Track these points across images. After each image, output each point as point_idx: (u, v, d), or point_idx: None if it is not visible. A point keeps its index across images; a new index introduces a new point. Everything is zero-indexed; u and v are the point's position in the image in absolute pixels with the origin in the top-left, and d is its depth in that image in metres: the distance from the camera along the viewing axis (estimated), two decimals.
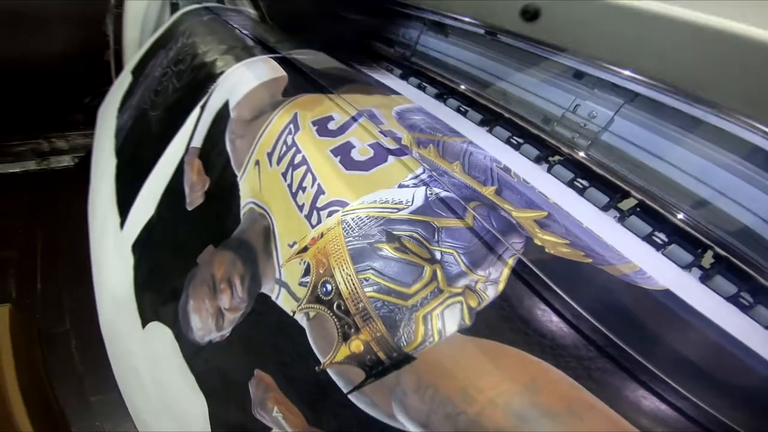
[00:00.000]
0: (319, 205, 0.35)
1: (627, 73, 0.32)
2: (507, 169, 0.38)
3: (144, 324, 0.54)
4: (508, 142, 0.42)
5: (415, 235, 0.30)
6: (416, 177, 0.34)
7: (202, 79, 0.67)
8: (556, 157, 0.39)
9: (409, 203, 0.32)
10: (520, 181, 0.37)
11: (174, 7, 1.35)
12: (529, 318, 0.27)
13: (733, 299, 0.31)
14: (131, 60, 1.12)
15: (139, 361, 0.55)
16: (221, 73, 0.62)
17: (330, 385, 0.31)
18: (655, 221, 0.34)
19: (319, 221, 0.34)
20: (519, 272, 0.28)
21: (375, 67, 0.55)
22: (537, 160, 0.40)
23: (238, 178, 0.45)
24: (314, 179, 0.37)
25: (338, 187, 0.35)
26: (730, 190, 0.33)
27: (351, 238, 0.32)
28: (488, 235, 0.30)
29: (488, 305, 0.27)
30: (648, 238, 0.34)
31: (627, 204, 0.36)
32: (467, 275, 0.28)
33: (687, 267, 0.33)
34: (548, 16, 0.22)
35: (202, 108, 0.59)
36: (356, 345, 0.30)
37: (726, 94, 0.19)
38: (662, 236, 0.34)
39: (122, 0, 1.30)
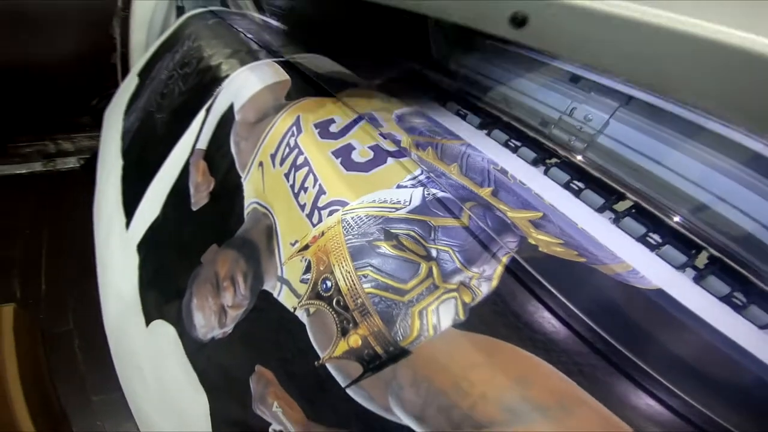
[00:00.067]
0: (320, 204, 0.37)
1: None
2: (504, 171, 0.40)
3: (148, 322, 0.56)
4: (506, 145, 0.44)
5: (412, 233, 0.32)
6: (414, 178, 0.36)
7: (207, 83, 0.70)
8: (553, 160, 0.41)
9: (407, 203, 0.34)
10: (516, 182, 0.39)
11: (179, 11, 1.40)
12: (521, 314, 0.28)
13: (726, 299, 0.32)
14: (138, 63, 1.16)
15: (143, 359, 0.57)
16: (226, 76, 0.65)
17: (329, 379, 0.33)
18: (649, 222, 0.36)
19: (320, 220, 0.36)
20: (512, 269, 0.30)
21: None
22: (534, 163, 0.42)
23: (242, 179, 0.48)
24: (316, 180, 0.39)
25: (339, 188, 0.37)
26: (725, 193, 0.35)
27: (350, 237, 0.34)
28: (483, 233, 0.32)
29: (482, 301, 0.29)
30: (642, 239, 0.35)
31: (622, 206, 0.38)
32: (462, 272, 0.30)
33: (681, 267, 0.34)
34: (535, 23, 0.24)
35: (208, 111, 0.62)
36: (354, 340, 0.32)
37: (713, 102, 0.21)
38: (656, 237, 0.35)
39: (129, 3, 1.35)
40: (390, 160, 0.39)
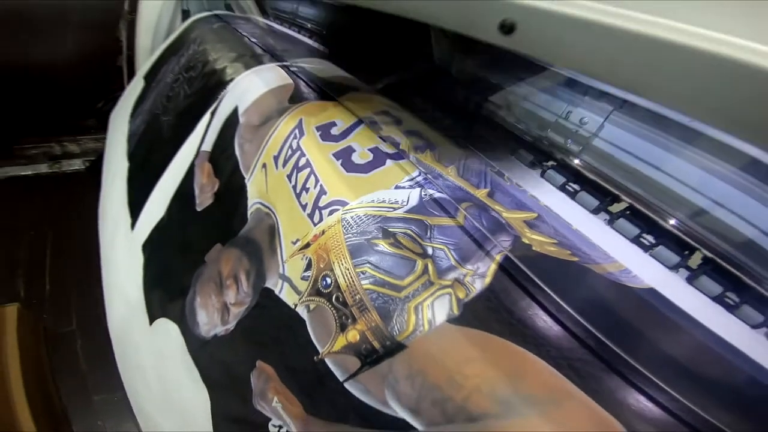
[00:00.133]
0: (321, 204, 0.40)
1: None
2: (501, 174, 0.42)
3: (151, 321, 0.59)
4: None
5: (409, 232, 0.34)
6: (412, 179, 0.39)
7: (212, 86, 0.73)
8: (550, 162, 0.43)
9: (405, 203, 0.36)
10: (512, 185, 0.41)
11: (185, 14, 1.45)
12: (513, 310, 0.30)
13: (718, 299, 0.34)
14: (143, 66, 1.21)
15: (145, 357, 0.60)
16: (231, 80, 0.69)
17: (327, 373, 0.35)
18: (643, 224, 0.37)
19: (321, 219, 0.39)
20: (505, 267, 0.32)
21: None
22: (531, 165, 0.44)
23: (246, 180, 0.51)
24: (317, 181, 0.41)
25: (339, 188, 0.39)
26: (719, 196, 0.36)
27: (350, 235, 0.36)
28: (478, 232, 0.34)
29: (475, 297, 0.31)
30: (636, 240, 0.37)
31: (617, 207, 0.39)
32: (456, 269, 0.32)
33: (674, 268, 0.36)
34: (522, 30, 0.26)
35: (213, 113, 0.66)
36: (353, 335, 0.34)
37: (691, 106, 0.23)
38: (650, 238, 0.37)
39: (136, 6, 1.40)
40: (389, 162, 0.41)
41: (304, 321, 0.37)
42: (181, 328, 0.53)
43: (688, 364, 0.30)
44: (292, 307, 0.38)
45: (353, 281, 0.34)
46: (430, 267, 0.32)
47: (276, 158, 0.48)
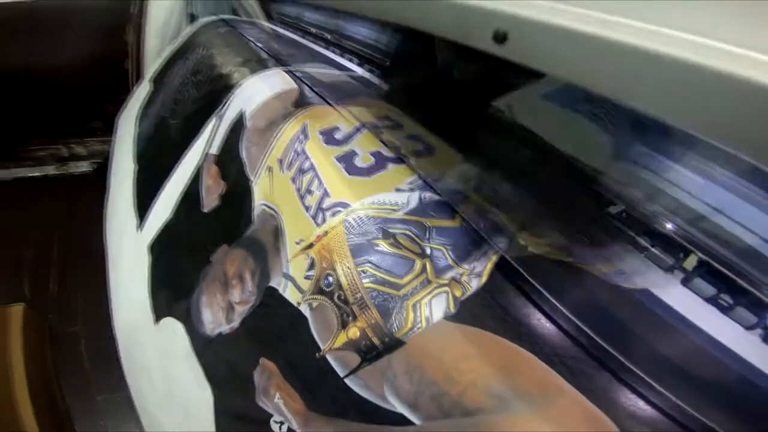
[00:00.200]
0: (324, 206, 0.42)
1: None
2: None
3: (157, 320, 0.62)
4: None
5: (409, 232, 0.37)
6: (412, 182, 0.41)
7: (219, 90, 0.77)
8: None
9: (405, 205, 0.39)
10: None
11: (192, 18, 1.51)
12: (508, 308, 0.32)
13: (712, 300, 0.35)
14: (151, 69, 1.26)
15: (150, 356, 0.62)
16: (237, 84, 0.72)
17: (329, 370, 0.37)
18: (637, 227, 0.39)
19: (324, 221, 0.41)
20: (501, 267, 0.34)
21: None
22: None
23: (252, 183, 0.53)
24: (320, 183, 0.44)
25: (342, 191, 0.42)
26: (716, 201, 0.38)
27: (352, 236, 0.38)
28: (475, 234, 0.36)
29: (471, 295, 0.33)
30: (632, 242, 0.39)
31: (614, 209, 0.41)
32: (453, 268, 0.34)
33: (669, 270, 0.37)
34: (514, 39, 0.29)
35: (219, 117, 0.69)
36: (353, 332, 0.36)
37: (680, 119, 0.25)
38: (645, 239, 0.39)
39: (143, 9, 1.45)
40: (390, 165, 0.43)
41: (307, 319, 0.40)
42: (186, 326, 0.56)
43: (680, 363, 0.31)
44: (296, 305, 0.41)
45: (354, 280, 0.36)
46: (428, 266, 0.34)
47: (281, 161, 0.51)
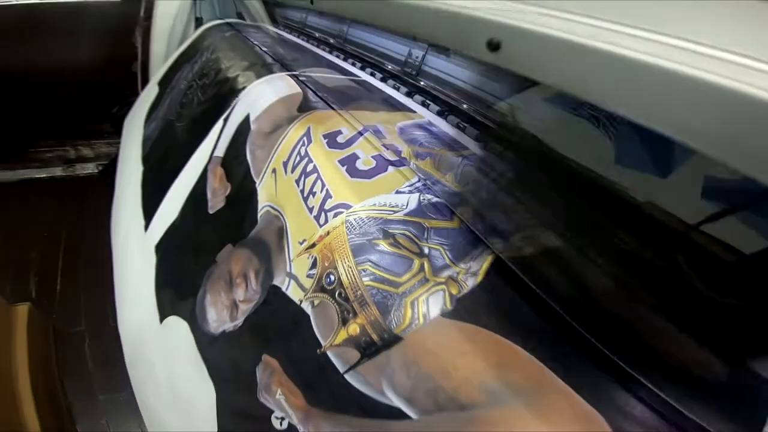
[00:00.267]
0: (326, 207, 0.45)
1: None
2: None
3: (162, 319, 0.64)
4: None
5: (408, 233, 0.39)
6: (411, 185, 0.43)
7: (225, 94, 0.80)
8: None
9: (404, 206, 0.41)
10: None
11: (198, 22, 1.56)
12: (502, 305, 0.34)
13: None
14: (158, 72, 1.31)
15: (154, 354, 0.65)
16: (243, 88, 0.75)
17: (329, 366, 0.39)
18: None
19: (326, 221, 0.44)
20: (497, 266, 0.36)
21: None
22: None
23: (257, 185, 0.56)
24: (323, 185, 0.47)
25: (344, 192, 0.45)
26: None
27: (353, 236, 0.41)
28: (472, 234, 0.38)
29: (467, 293, 0.35)
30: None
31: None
32: (450, 267, 0.36)
33: None
34: (507, 48, 0.31)
35: (225, 120, 0.72)
36: (353, 328, 0.38)
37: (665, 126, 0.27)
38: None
39: (151, 13, 1.50)
40: (391, 168, 0.46)
41: (309, 316, 0.42)
42: (190, 325, 0.58)
43: (675, 363, 0.33)
44: (298, 303, 0.43)
45: (355, 278, 0.39)
46: (426, 265, 0.37)
47: (285, 164, 0.54)
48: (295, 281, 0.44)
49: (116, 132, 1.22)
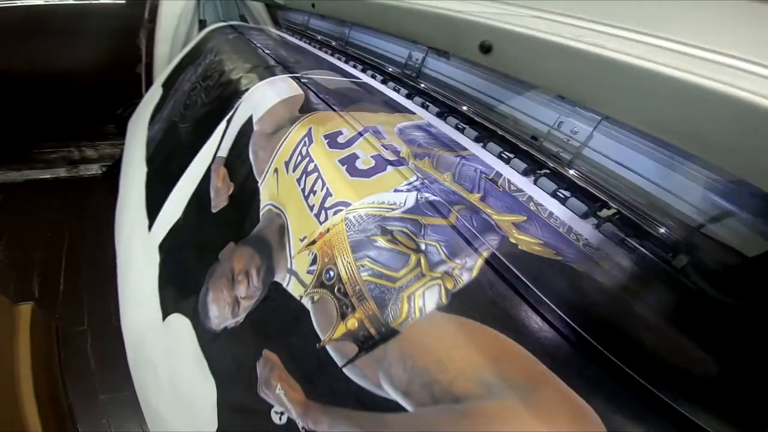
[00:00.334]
0: (326, 205, 0.47)
1: None
2: (495, 180, 0.48)
3: (165, 317, 0.67)
4: (499, 156, 0.53)
5: (405, 230, 0.41)
6: (410, 184, 0.45)
7: (228, 95, 0.83)
8: (543, 171, 0.49)
9: (402, 204, 0.43)
10: (505, 191, 0.47)
11: (201, 24, 1.60)
12: (497, 300, 0.36)
13: None
14: (162, 74, 1.34)
15: (157, 352, 0.67)
16: (246, 90, 0.78)
17: (328, 359, 0.41)
18: (630, 230, 0.43)
19: (326, 219, 0.46)
20: (491, 262, 0.38)
21: None
22: (525, 173, 0.50)
23: (259, 184, 0.59)
24: (324, 184, 0.49)
25: (343, 191, 0.47)
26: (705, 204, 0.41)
27: (352, 232, 0.43)
28: (468, 232, 0.40)
29: (462, 288, 0.37)
30: (621, 244, 0.42)
31: (605, 213, 0.45)
32: (446, 263, 0.38)
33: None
34: (498, 50, 0.33)
35: (228, 121, 0.75)
36: (352, 323, 0.40)
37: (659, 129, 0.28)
38: (635, 242, 0.42)
39: (155, 15, 1.54)
40: (389, 167, 0.48)
41: (309, 311, 0.44)
42: (193, 322, 0.60)
43: (666, 356, 0.34)
44: (298, 298, 0.45)
45: (354, 274, 0.41)
46: (423, 261, 0.38)
47: (287, 164, 0.56)
48: (295, 277, 0.46)
49: (120, 133, 1.25)
